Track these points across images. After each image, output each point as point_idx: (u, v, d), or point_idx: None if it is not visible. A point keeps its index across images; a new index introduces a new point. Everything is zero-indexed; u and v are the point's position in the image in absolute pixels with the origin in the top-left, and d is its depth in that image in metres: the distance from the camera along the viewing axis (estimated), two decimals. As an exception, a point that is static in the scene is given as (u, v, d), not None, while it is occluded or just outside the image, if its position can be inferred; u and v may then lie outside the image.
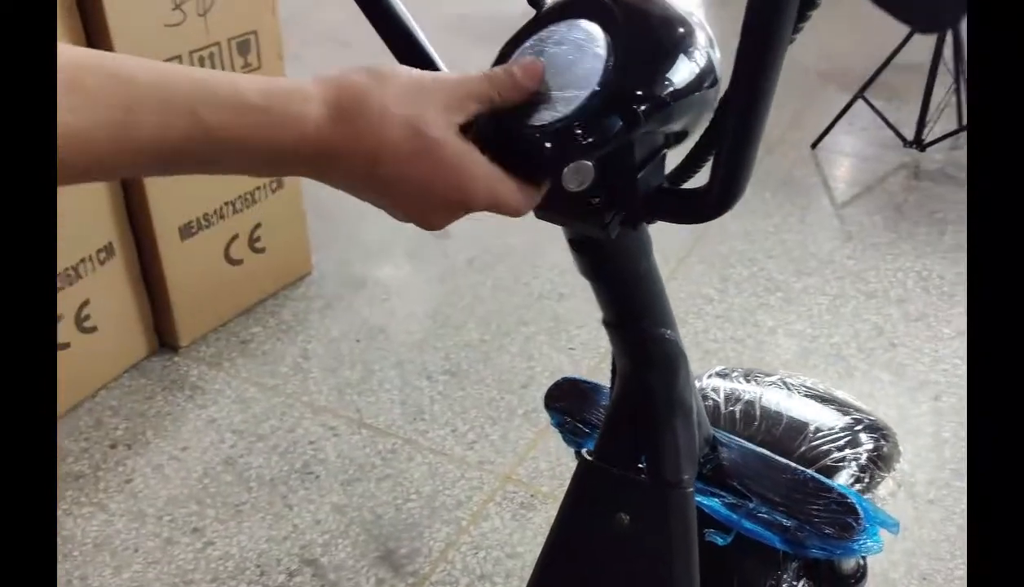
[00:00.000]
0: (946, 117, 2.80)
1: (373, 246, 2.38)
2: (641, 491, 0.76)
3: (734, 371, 1.14)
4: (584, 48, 0.55)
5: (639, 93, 0.54)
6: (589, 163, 0.53)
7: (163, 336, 2.04)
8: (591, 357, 1.99)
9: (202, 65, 1.87)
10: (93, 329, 1.87)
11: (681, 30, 0.56)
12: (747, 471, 0.86)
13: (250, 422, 1.83)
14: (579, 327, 2.06)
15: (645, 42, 0.55)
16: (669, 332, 0.72)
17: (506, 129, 0.54)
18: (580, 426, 0.94)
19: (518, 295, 2.18)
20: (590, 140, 0.53)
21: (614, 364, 0.78)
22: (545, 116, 0.53)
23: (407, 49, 0.66)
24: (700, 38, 0.57)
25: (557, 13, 0.57)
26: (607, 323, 0.72)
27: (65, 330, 1.81)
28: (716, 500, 0.85)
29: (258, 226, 2.14)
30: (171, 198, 1.92)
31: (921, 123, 2.73)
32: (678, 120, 0.57)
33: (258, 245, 2.16)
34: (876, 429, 1.07)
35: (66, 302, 1.80)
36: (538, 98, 0.54)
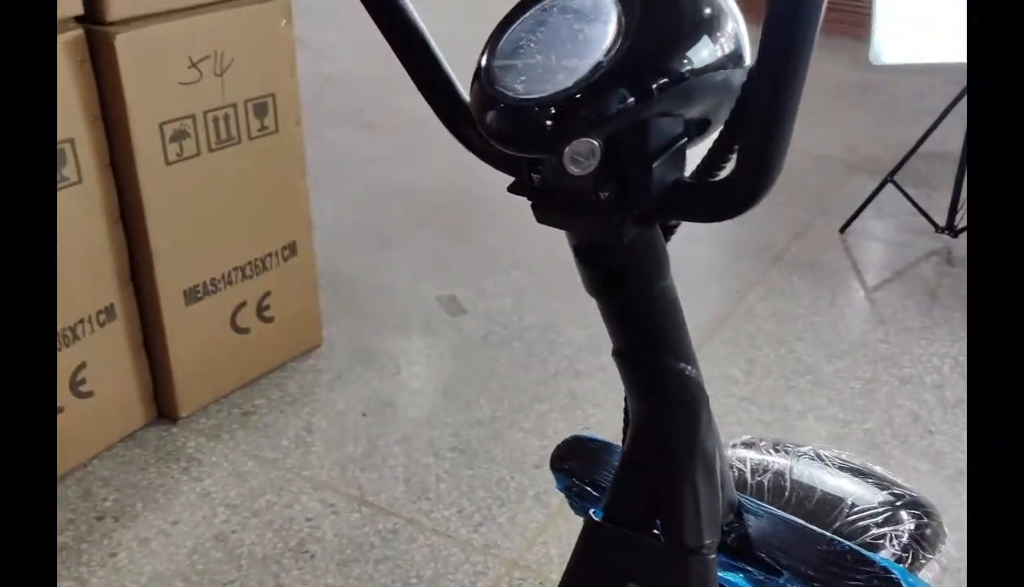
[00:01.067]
0: (979, 204, 2.71)
1: (387, 319, 2.31)
2: (656, 556, 0.66)
3: (762, 440, 1.04)
4: (591, 17, 0.48)
5: (652, 65, 0.46)
6: (594, 142, 0.46)
7: (162, 405, 1.96)
8: (608, 437, 1.88)
9: (216, 125, 1.84)
10: (89, 394, 1.79)
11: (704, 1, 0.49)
12: (777, 542, 0.76)
13: (246, 496, 1.73)
14: (596, 406, 1.96)
15: (661, 11, 0.48)
16: (690, 368, 0.63)
17: (499, 102, 0.47)
18: (589, 489, 0.85)
19: (533, 371, 2.09)
20: (595, 114, 0.45)
21: (626, 410, 0.69)
22: (545, 87, 0.46)
23: (406, 42, 0.59)
24: (724, 10, 0.50)
25: None
26: (617, 353, 0.63)
27: (59, 393, 1.73)
28: (741, 575, 0.75)
29: (268, 294, 2.07)
30: (177, 260, 1.86)
31: (953, 209, 2.65)
32: (698, 102, 0.50)
33: (267, 314, 2.09)
34: (919, 506, 0.97)
35: (61, 364, 1.72)
36: (537, 69, 0.47)
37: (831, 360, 2.14)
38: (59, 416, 1.74)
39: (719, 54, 0.49)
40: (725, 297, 2.40)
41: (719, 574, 0.71)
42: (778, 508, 0.93)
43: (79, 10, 1.61)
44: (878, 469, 1.04)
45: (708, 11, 0.49)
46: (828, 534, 0.78)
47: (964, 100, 2.47)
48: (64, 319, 1.72)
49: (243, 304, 2.03)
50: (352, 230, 2.74)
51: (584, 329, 2.18)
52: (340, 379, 2.08)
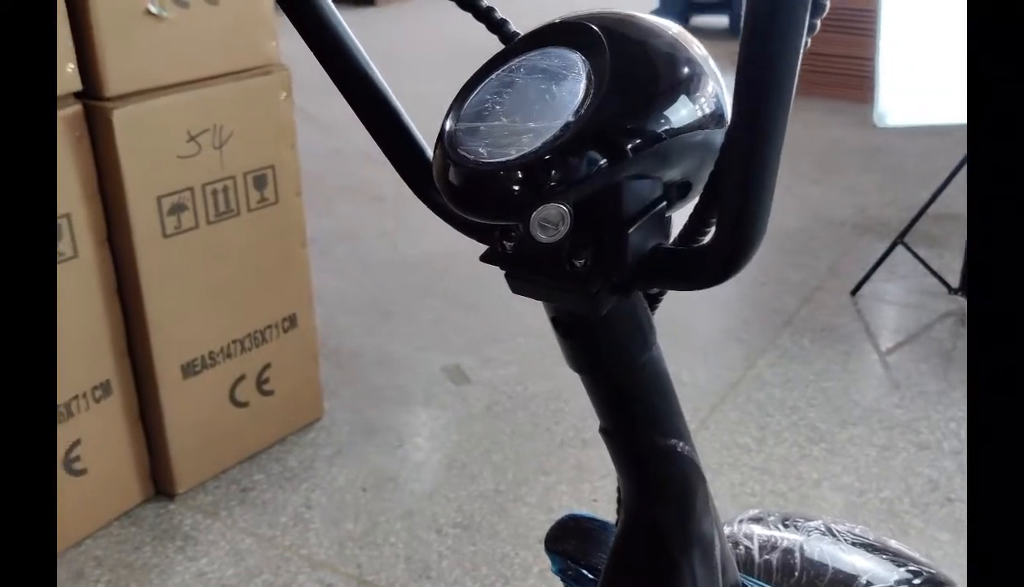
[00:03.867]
0: (992, 264, 2.67)
1: (389, 390, 2.27)
2: (651, 648, 0.61)
3: (770, 515, 0.99)
4: (560, 77, 0.45)
5: (624, 125, 0.44)
6: (563, 207, 0.42)
7: (159, 481, 1.92)
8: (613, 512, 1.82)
9: (215, 198, 1.82)
10: (83, 472, 1.76)
11: (680, 57, 0.47)
12: (785, 628, 0.71)
13: (242, 576, 1.68)
14: (603, 477, 1.90)
15: (636, 70, 0.45)
16: (682, 444, 0.59)
17: (461, 167, 0.44)
18: (585, 573, 0.80)
19: (539, 442, 2.04)
20: (563, 177, 0.42)
21: (619, 490, 0.64)
22: (509, 151, 0.43)
23: (368, 104, 0.57)
24: (702, 68, 0.47)
25: (529, 42, 0.48)
26: (603, 431, 0.59)
27: (51, 472, 1.69)
28: (747, 664, 0.70)
29: (267, 367, 2.04)
30: (175, 333, 1.83)
31: (965, 269, 2.61)
32: (677, 164, 0.47)
33: (266, 387, 2.05)
34: (938, 584, 0.91)
35: (57, 442, 1.69)
36: (502, 133, 0.44)
37: (845, 427, 2.08)
38: (52, 495, 1.70)
39: (699, 114, 0.46)
40: (735, 362, 2.35)
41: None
42: (787, 589, 0.88)
43: (77, 86, 1.61)
44: (893, 543, 0.98)
45: (685, 70, 0.47)
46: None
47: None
48: (59, 395, 1.69)
49: (242, 377, 1.99)
50: (356, 302, 2.72)
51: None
52: (341, 453, 2.03)
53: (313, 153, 1.99)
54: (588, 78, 0.44)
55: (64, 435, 1.70)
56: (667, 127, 0.45)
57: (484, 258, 0.51)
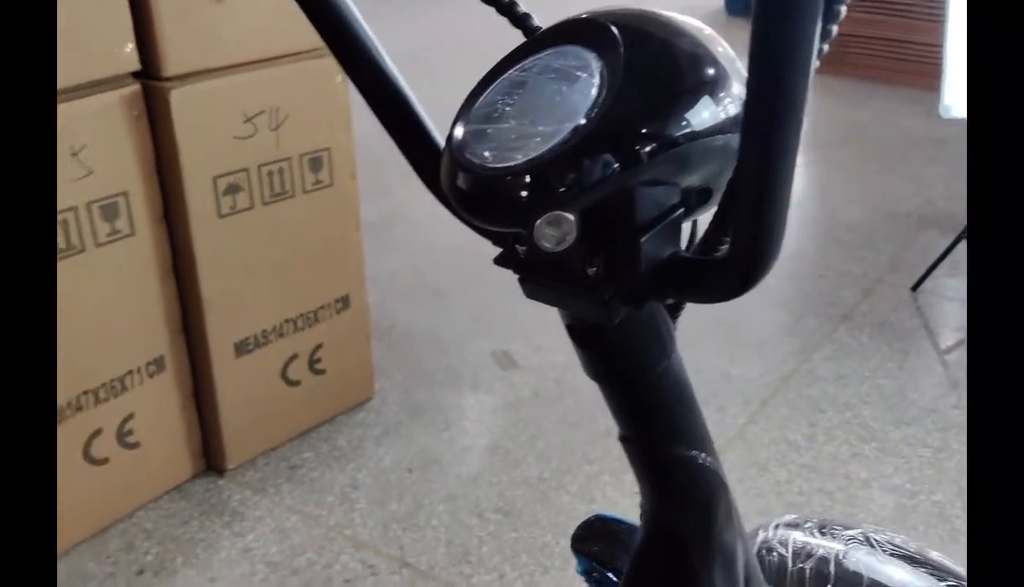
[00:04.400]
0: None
1: (438, 373, 2.28)
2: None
3: (807, 522, 0.97)
4: (573, 76, 0.44)
5: (638, 128, 0.42)
6: (569, 216, 0.41)
7: (209, 457, 1.95)
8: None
9: (270, 179, 1.84)
10: (136, 445, 1.80)
11: (701, 57, 0.45)
12: (811, 643, 0.70)
13: (286, 554, 1.71)
14: (649, 469, 1.89)
15: (652, 70, 0.44)
16: (704, 456, 0.58)
17: (466, 171, 0.43)
18: (610, 576, 0.79)
19: (584, 431, 2.03)
20: (569, 184, 0.41)
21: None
22: (516, 156, 0.42)
23: (382, 97, 0.56)
24: (726, 69, 0.46)
25: (544, 40, 0.47)
26: (623, 438, 0.58)
27: (105, 445, 1.74)
28: (770, 677, 0.69)
29: (319, 346, 2.06)
30: (228, 312, 1.86)
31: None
32: (695, 170, 0.45)
33: (318, 367, 2.08)
34: (979, 601, 0.89)
35: (109, 415, 1.73)
36: (507, 135, 0.43)
37: (899, 426, 2.04)
38: (105, 467, 1.74)
39: (721, 117, 0.45)
40: (788, 356, 2.31)
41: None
42: (820, 599, 0.86)
43: (136, 66, 1.64)
44: (935, 555, 0.96)
45: (707, 70, 0.45)
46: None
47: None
48: (114, 370, 1.73)
49: (295, 356, 2.02)
50: (410, 284, 2.73)
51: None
52: (388, 434, 2.05)
53: (371, 137, 1.98)
54: (601, 79, 0.43)
55: (119, 409, 1.74)
56: (685, 131, 0.43)
57: (498, 261, 0.50)
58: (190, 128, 1.70)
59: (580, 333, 0.51)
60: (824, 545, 0.93)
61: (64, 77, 1.54)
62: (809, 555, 0.91)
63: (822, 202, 3.30)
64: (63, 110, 1.55)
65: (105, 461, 1.74)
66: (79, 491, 1.70)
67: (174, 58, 1.66)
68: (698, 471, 0.57)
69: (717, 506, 0.59)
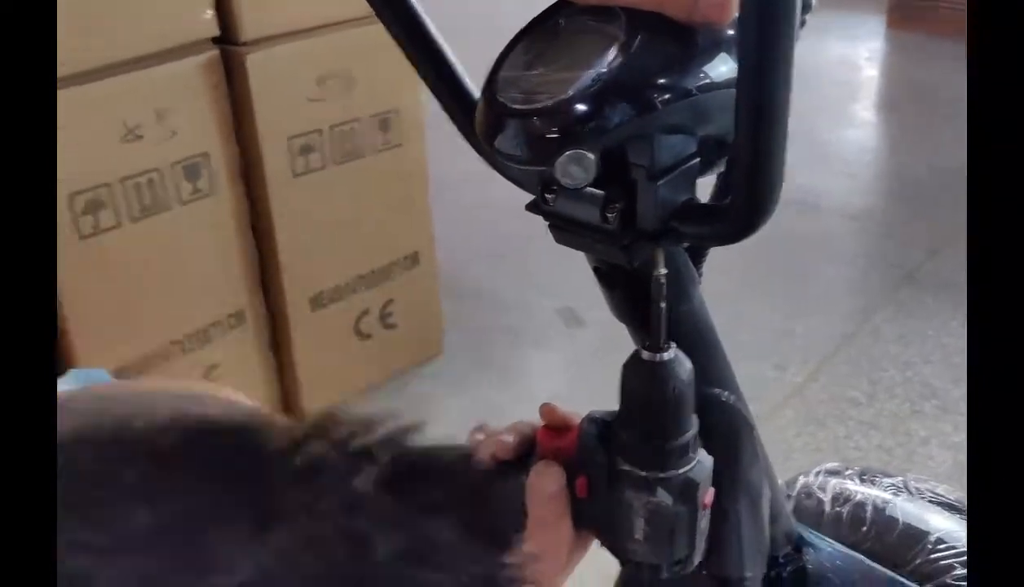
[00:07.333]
0: None
1: (504, 330, 2.35)
2: None
3: (848, 469, 1.01)
4: (600, 30, 0.48)
5: (655, 78, 0.47)
6: (590, 155, 0.46)
7: (286, 409, 2.06)
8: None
9: (341, 139, 1.92)
10: (218, 393, 1.90)
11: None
12: (837, 579, 0.74)
13: (358, 497, 1.80)
14: (707, 423, 1.93)
15: (673, 26, 0.48)
16: (728, 394, 0.62)
17: (497, 114, 0.48)
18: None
19: (645, 386, 2.08)
20: (587, 124, 0.46)
21: None
22: (541, 98, 0.47)
23: (423, 52, 0.60)
24: None
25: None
26: None
27: (190, 391, 1.84)
28: (797, 607, 0.74)
29: (390, 302, 2.14)
30: (304, 268, 1.94)
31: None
32: (711, 120, 0.49)
33: (390, 321, 2.16)
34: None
35: (197, 363, 1.83)
36: (535, 81, 0.48)
37: (959, 385, 2.04)
38: (190, 413, 1.85)
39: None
40: (851, 315, 2.32)
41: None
42: (855, 540, 0.90)
43: (216, 31, 1.72)
44: (974, 505, 0.99)
45: (726, 29, 0.49)
46: (899, 577, 0.76)
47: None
48: (199, 320, 1.83)
49: (367, 311, 2.10)
50: (478, 243, 2.80)
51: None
52: (455, 388, 2.13)
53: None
54: (625, 33, 0.47)
55: (204, 358, 1.85)
56: (702, 82, 0.47)
57: (529, 207, 0.55)
58: (266, 91, 1.77)
59: (606, 275, 0.57)
60: (863, 491, 0.96)
61: (149, 42, 1.63)
62: (847, 500, 0.94)
63: (889, 160, 3.26)
64: (148, 74, 1.63)
65: (190, 407, 1.85)
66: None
67: (250, 23, 1.73)
68: (721, 408, 0.62)
69: (741, 443, 0.64)
